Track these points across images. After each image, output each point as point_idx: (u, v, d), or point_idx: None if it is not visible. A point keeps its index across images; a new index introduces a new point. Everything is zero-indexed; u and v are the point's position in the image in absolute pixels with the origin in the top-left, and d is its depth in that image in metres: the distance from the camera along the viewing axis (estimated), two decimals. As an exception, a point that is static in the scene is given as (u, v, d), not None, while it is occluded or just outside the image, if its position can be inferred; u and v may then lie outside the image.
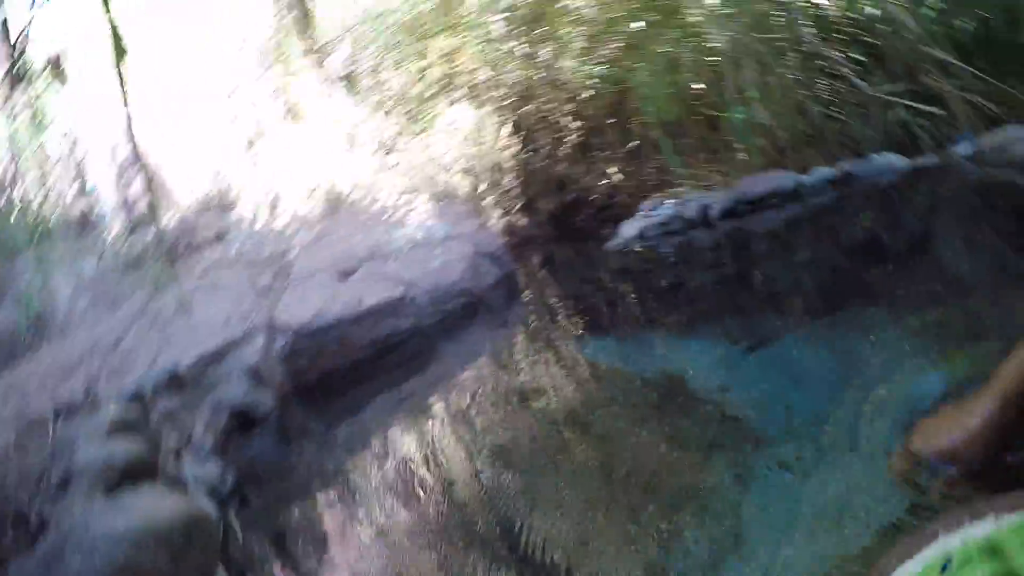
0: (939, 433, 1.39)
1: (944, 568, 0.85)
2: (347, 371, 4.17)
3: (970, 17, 4.27)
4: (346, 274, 4.62)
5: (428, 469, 2.75)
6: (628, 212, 5.96)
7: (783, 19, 4.88)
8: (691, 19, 5.50)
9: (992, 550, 0.84)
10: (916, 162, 4.15)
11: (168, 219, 5.69)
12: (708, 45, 5.32)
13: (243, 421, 3.79)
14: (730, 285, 3.77)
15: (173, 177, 6.00)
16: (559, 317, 4.24)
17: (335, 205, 5.77)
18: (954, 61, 4.12)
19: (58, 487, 2.62)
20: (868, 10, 4.73)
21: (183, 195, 5.96)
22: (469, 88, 6.40)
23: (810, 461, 1.95)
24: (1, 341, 4.98)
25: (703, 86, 5.38)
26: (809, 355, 2.63)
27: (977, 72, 4.06)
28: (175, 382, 3.74)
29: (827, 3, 4.94)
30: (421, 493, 2.61)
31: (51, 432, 3.96)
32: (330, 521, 2.66)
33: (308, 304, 4.29)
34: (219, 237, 5.49)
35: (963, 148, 3.91)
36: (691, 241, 4.56)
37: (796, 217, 4.23)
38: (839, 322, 2.77)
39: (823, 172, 4.36)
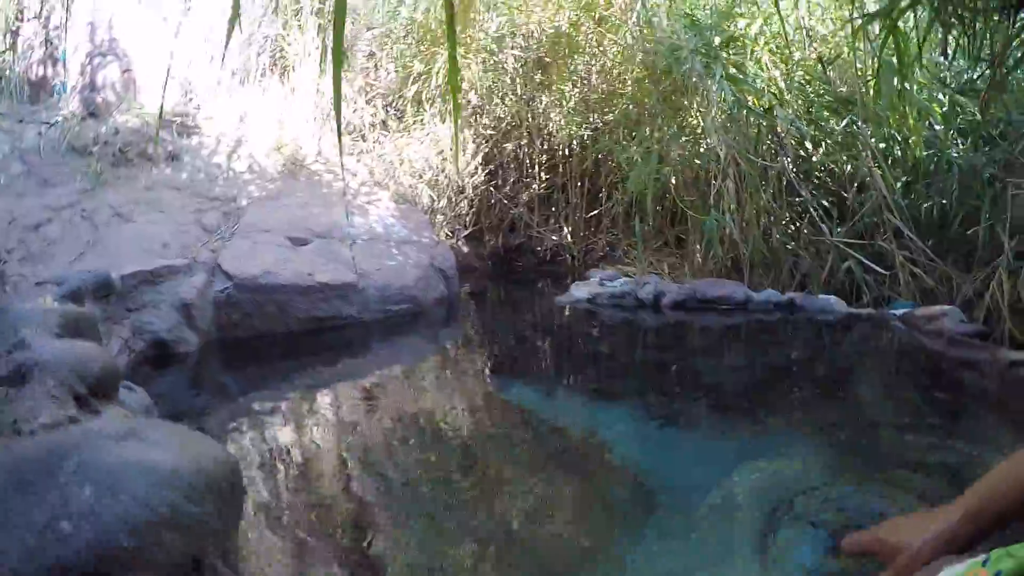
0: (898, 530, 1.44)
1: (984, 563, 0.93)
2: (278, 338, 4.05)
3: (930, 201, 4.63)
4: (299, 242, 4.48)
5: (315, 460, 2.72)
6: (567, 274, 6.08)
7: (773, 148, 5.10)
8: (692, 120, 5.68)
9: None
10: (854, 309, 4.45)
11: (127, 119, 5.40)
12: (701, 148, 5.50)
13: (159, 355, 3.62)
14: (663, 368, 3.87)
15: (145, 80, 5.71)
16: (488, 352, 4.27)
17: (296, 170, 5.61)
18: (909, 233, 4.45)
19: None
20: (847, 167, 5.02)
21: (149, 101, 5.67)
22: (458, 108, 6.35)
23: (706, 542, 2.10)
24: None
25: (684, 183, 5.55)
26: (722, 444, 2.81)
27: (926, 248, 4.40)
28: (103, 289, 3.51)
29: (812, 149, 5.22)
30: (302, 480, 2.55)
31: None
32: None
33: (257, 260, 4.13)
34: (173, 157, 5.24)
35: (898, 309, 4.22)
36: (637, 320, 4.67)
37: (738, 326, 4.46)
38: (755, 422, 3.01)
39: (771, 294, 4.64)
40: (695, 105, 5.60)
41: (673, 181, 5.62)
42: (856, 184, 4.92)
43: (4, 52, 5.58)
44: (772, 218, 5.00)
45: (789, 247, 5.04)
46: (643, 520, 2.24)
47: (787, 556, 2.01)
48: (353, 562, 2.02)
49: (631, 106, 6.09)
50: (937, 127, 4.77)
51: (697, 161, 5.53)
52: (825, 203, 4.98)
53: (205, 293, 3.88)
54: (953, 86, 4.56)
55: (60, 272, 3.75)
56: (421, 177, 5.99)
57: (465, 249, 6.33)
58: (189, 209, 4.70)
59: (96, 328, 2.55)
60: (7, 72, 5.54)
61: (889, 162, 4.67)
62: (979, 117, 4.56)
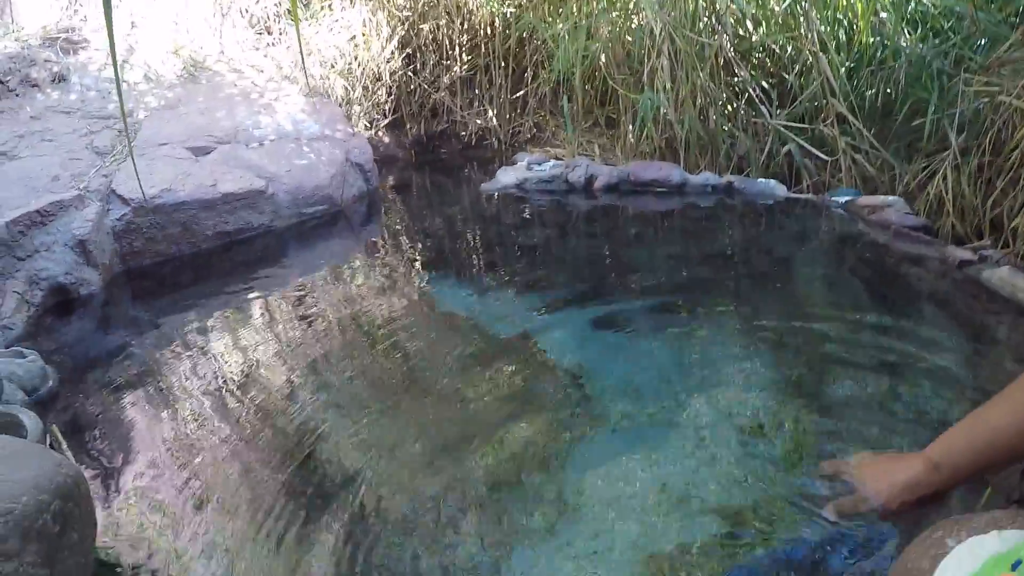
0: (867, 470, 1.57)
1: (1015, 566, 0.88)
2: (187, 260, 3.84)
3: (875, 88, 4.44)
4: (201, 152, 4.22)
5: (246, 376, 2.65)
6: (494, 158, 5.87)
7: (711, 24, 4.83)
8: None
9: None
10: (794, 194, 4.28)
11: (4, 45, 5.02)
12: (633, 24, 5.22)
13: (61, 301, 3.41)
14: (597, 258, 3.74)
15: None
16: (415, 249, 4.06)
17: (196, 72, 5.27)
18: (852, 119, 4.28)
19: None
20: (788, 48, 4.77)
21: (29, 20, 5.28)
22: (367, -12, 6.00)
23: (647, 441, 2.10)
24: None
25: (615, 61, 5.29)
26: (659, 343, 2.72)
27: (869, 136, 4.23)
28: (-15, 239, 3.27)
29: (752, 29, 4.95)
30: (234, 401, 2.48)
31: None
32: (140, 419, 2.40)
33: (154, 177, 3.87)
34: (59, 79, 4.89)
35: (840, 196, 4.08)
36: (568, 205, 4.50)
37: (674, 210, 4.31)
38: (692, 318, 2.91)
39: (709, 176, 4.47)
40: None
41: (603, 59, 5.36)
42: (798, 67, 4.69)
43: None
44: (709, 98, 4.76)
45: (726, 128, 4.84)
46: (576, 422, 2.22)
47: (718, 456, 2.00)
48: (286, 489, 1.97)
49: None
50: (884, 14, 4.52)
51: (628, 38, 5.26)
52: (765, 84, 4.78)
53: (101, 224, 3.63)
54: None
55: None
56: (333, 67, 5.68)
57: (386, 139, 6.08)
58: (80, 133, 4.39)
59: None
60: None
61: (834, 46, 4.43)
62: (932, 7, 4.37)
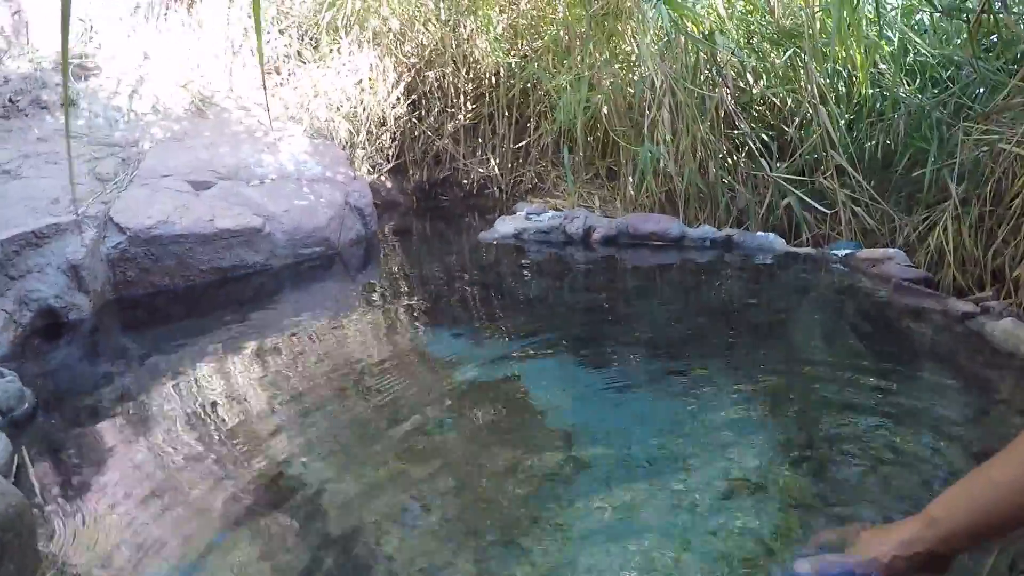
0: (865, 537, 1.48)
1: None
2: (179, 294, 3.86)
3: (874, 139, 4.47)
4: (202, 186, 4.25)
5: (228, 413, 2.62)
6: (494, 207, 5.91)
7: (711, 77, 4.90)
8: (625, 47, 5.47)
9: None
10: (794, 248, 4.30)
11: (18, 66, 5.09)
12: (635, 76, 5.30)
13: (50, 324, 3.41)
14: (592, 310, 3.73)
15: (39, 22, 5.37)
16: (409, 295, 4.08)
17: (203, 107, 5.34)
18: (852, 172, 4.31)
19: None
20: (789, 101, 4.84)
21: (45, 43, 5.35)
22: (376, 34, 6.09)
23: (633, 501, 2.03)
24: None
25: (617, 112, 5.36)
26: (653, 397, 2.69)
27: (869, 188, 4.25)
28: (-22, 257, 3.28)
29: (752, 82, 5.03)
30: (212, 438, 2.44)
31: None
32: (114, 450, 2.37)
33: (153, 208, 3.90)
34: (69, 103, 4.94)
35: (840, 250, 4.10)
36: (566, 257, 4.52)
37: (672, 264, 4.32)
38: (687, 372, 2.87)
39: (708, 230, 4.49)
40: (630, 30, 5.38)
41: (605, 110, 5.43)
42: (798, 120, 4.76)
43: None
44: (709, 151, 4.81)
45: (726, 181, 4.88)
46: (568, 478, 2.17)
47: (706, 521, 1.95)
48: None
49: (561, 32, 5.85)
50: (883, 66, 4.60)
51: (630, 89, 5.34)
52: (765, 137, 4.83)
53: (96, 251, 3.65)
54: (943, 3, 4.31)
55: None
56: (338, 110, 5.75)
57: (388, 184, 6.14)
58: (84, 158, 4.43)
59: None
60: None
61: (833, 99, 4.48)
62: (930, 57, 4.46)
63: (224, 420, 2.56)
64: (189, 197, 4.12)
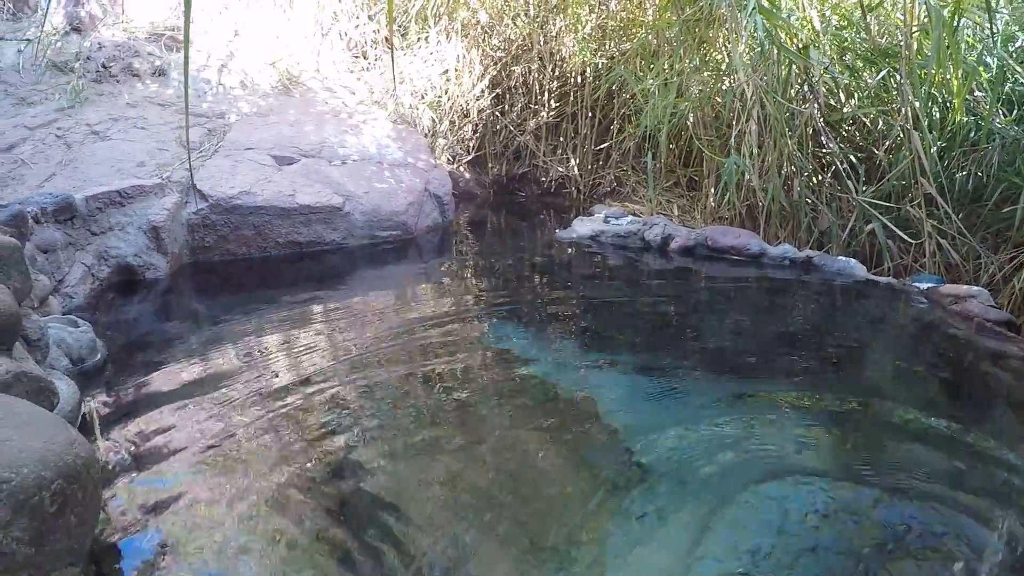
0: None
1: None
2: (254, 264, 3.85)
3: (966, 170, 4.26)
4: (284, 161, 4.24)
5: (291, 384, 2.56)
6: (571, 207, 5.82)
7: (803, 92, 4.74)
8: (716, 55, 5.34)
9: None
10: (873, 276, 4.11)
11: (112, 34, 5.16)
12: (724, 86, 5.16)
13: (126, 280, 3.43)
14: (664, 321, 3.60)
15: (131, -8, 5.46)
16: (481, 286, 3.99)
17: (290, 85, 5.35)
18: (942, 202, 4.11)
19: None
20: (879, 122, 4.65)
21: (138, 14, 5.42)
22: (465, 26, 6.05)
23: (690, 506, 1.96)
24: None
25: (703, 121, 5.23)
26: (716, 415, 2.55)
27: (957, 220, 4.08)
28: (64, 212, 3.29)
29: (844, 100, 4.85)
30: (274, 406, 2.38)
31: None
32: (178, 408, 2.34)
33: (235, 179, 3.90)
34: (159, 72, 4.99)
35: (922, 283, 3.91)
36: (641, 263, 4.40)
37: (749, 280, 4.16)
38: (754, 392, 2.74)
39: (788, 249, 4.30)
40: (721, 38, 5.24)
41: (691, 119, 5.29)
42: (888, 143, 4.53)
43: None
44: (795, 168, 4.62)
45: (809, 201, 4.68)
46: (619, 488, 2.06)
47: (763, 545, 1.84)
48: (314, 514, 1.84)
49: (650, 36, 5.73)
50: (979, 93, 4.37)
51: (719, 99, 5.19)
52: (853, 159, 4.58)
53: (177, 215, 3.66)
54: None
55: (27, 195, 3.55)
56: (423, 98, 5.71)
57: (466, 175, 6.08)
58: (171, 126, 4.45)
59: (20, 259, 2.30)
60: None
61: (926, 124, 4.23)
62: None
63: (284, 388, 2.51)
64: (271, 171, 4.11)
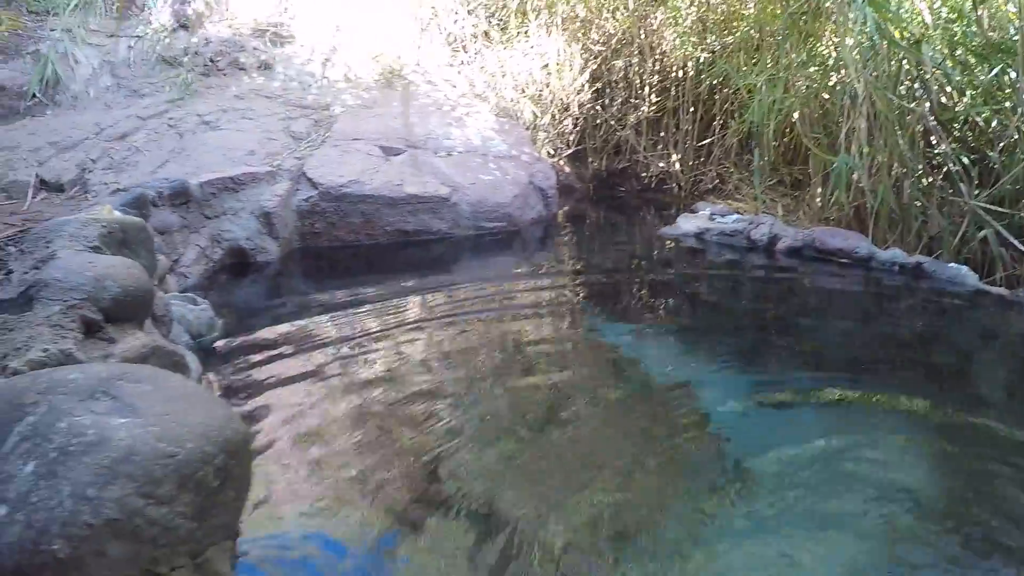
0: None
1: None
2: (361, 250, 3.84)
3: None
4: (391, 152, 4.22)
5: (395, 370, 2.54)
6: (671, 204, 5.69)
7: (913, 89, 4.50)
8: (822, 49, 5.14)
9: None
10: (985, 285, 3.85)
11: (218, 30, 5.23)
12: (831, 81, 4.96)
13: (237, 263, 3.46)
14: (768, 322, 3.47)
15: (236, -11, 5.54)
16: (585, 280, 3.91)
17: (393, 79, 5.35)
18: None
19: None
20: (993, 122, 4.37)
21: (242, 10, 5.49)
22: (565, 20, 5.98)
23: (789, 514, 1.89)
24: (7, 94, 4.53)
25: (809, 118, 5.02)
26: (819, 420, 2.48)
27: None
28: (180, 196, 3.32)
29: (956, 98, 4.58)
30: (380, 392, 2.36)
31: (28, 200, 3.58)
32: (289, 389, 2.35)
33: (344, 168, 3.90)
34: (264, 66, 5.05)
35: None
36: (746, 263, 4.24)
37: (855, 285, 3.96)
38: (859, 400, 2.63)
39: (897, 254, 4.06)
40: (828, 32, 5.04)
41: (796, 115, 5.10)
42: (1002, 144, 4.22)
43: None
44: (905, 168, 4.37)
45: (920, 204, 4.41)
46: (720, 490, 2.00)
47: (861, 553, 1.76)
48: (409, 503, 1.79)
49: (753, 30, 5.57)
50: None
51: (826, 95, 4.99)
52: (965, 160, 4.23)
53: (288, 201, 3.68)
54: None
55: (141, 180, 3.60)
56: (524, 91, 5.65)
57: (567, 169, 5.98)
58: (279, 117, 4.49)
59: (148, 239, 2.32)
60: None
61: None
62: None
63: (386, 372, 2.50)
64: (379, 161, 4.09)
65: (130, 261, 1.95)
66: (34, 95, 4.57)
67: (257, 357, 2.55)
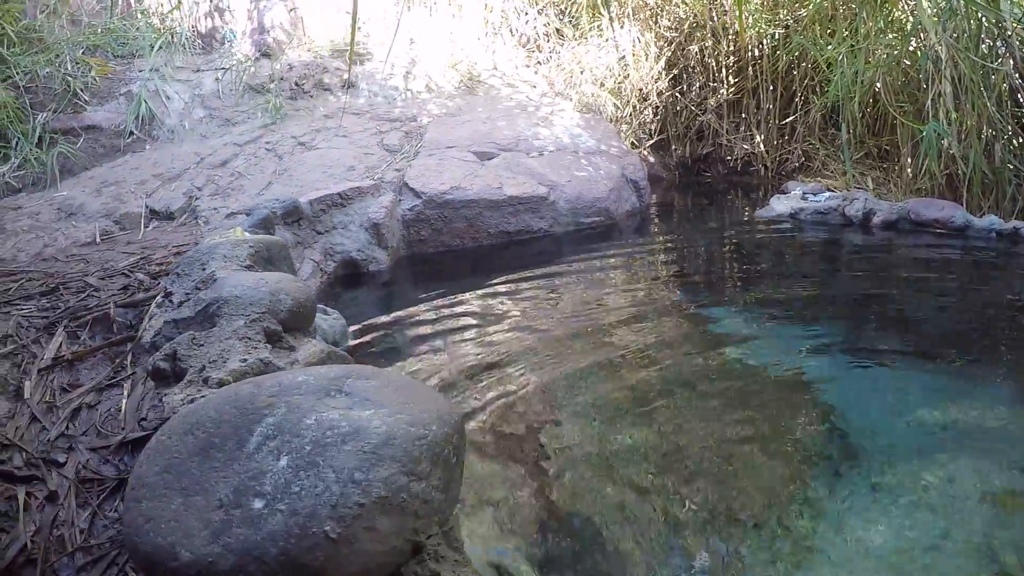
0: None
1: None
2: (467, 253, 3.89)
3: None
4: (485, 156, 4.27)
5: (505, 366, 2.60)
6: (759, 186, 5.62)
7: (996, 48, 4.36)
8: (898, 14, 5.02)
9: None
10: None
11: (299, 55, 5.35)
12: (911, 46, 4.84)
13: (350, 274, 3.54)
14: (869, 299, 3.41)
15: (311, 16, 5.64)
16: (686, 268, 3.90)
17: (473, 85, 5.40)
18: None
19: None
20: None
21: (319, 34, 5.60)
22: (635, 9, 5.95)
23: (897, 499, 1.89)
24: (106, 134, 4.69)
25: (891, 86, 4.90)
26: (925, 397, 2.44)
27: None
28: (292, 214, 3.41)
29: None
30: (493, 391, 2.42)
31: (142, 229, 3.69)
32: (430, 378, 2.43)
33: (443, 175, 3.95)
34: (348, 85, 5.14)
35: None
36: (841, 240, 4.17)
37: (954, 255, 3.87)
38: (962, 375, 2.59)
39: (994, 220, 3.97)
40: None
41: (879, 84, 4.98)
42: None
43: (172, 10, 5.62)
44: (995, 131, 4.23)
45: (1012, 167, 4.28)
46: (833, 467, 2.04)
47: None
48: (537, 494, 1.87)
49: (826, 0, 5.47)
50: None
51: (907, 62, 4.87)
52: None
53: (393, 212, 3.74)
54: None
55: (249, 203, 3.70)
56: (603, 85, 5.64)
57: (651, 159, 5.96)
58: (370, 132, 4.57)
59: (288, 255, 2.41)
60: (177, 28, 5.57)
61: None
62: None
63: (500, 369, 2.56)
64: (475, 166, 4.13)
65: (291, 275, 2.02)
66: (131, 132, 4.72)
67: (381, 361, 2.64)
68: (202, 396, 1.43)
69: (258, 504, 1.08)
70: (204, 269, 2.02)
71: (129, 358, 2.20)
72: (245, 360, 1.53)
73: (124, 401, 1.96)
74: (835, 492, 1.91)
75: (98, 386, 2.07)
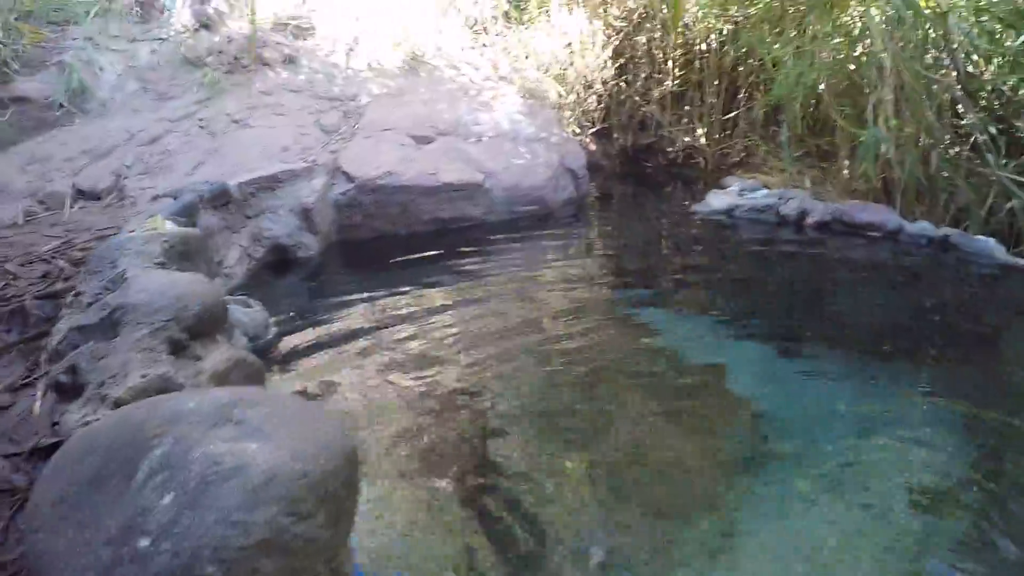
0: None
1: None
2: (400, 240, 3.87)
3: None
4: (423, 140, 4.22)
5: (434, 355, 2.65)
6: (699, 179, 5.65)
7: (940, 59, 4.42)
8: (846, 19, 5.05)
9: None
10: (1014, 258, 3.82)
11: (240, 27, 5.23)
12: (856, 52, 4.88)
13: (279, 260, 3.48)
14: (798, 298, 3.51)
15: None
16: (618, 260, 3.95)
17: (416, 65, 5.33)
18: None
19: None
20: (1022, 91, 4.26)
21: (261, 6, 5.48)
22: (585, -3, 5.93)
23: (818, 489, 1.97)
24: (35, 106, 4.54)
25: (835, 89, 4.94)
26: (846, 394, 2.53)
27: None
28: (221, 198, 3.33)
29: (983, 66, 4.49)
30: (422, 378, 2.48)
31: (67, 210, 3.60)
32: (343, 381, 2.45)
33: (379, 159, 3.91)
34: (289, 61, 5.04)
35: None
36: (775, 238, 4.23)
37: (884, 259, 3.97)
38: (885, 374, 2.69)
39: (926, 227, 4.07)
40: (853, 2, 4.94)
41: (822, 86, 5.02)
42: None
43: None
44: (933, 140, 4.30)
45: (947, 175, 4.35)
46: (751, 462, 2.12)
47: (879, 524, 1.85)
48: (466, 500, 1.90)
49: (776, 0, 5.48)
50: None
51: (852, 67, 4.92)
52: (993, 130, 4.15)
53: (325, 196, 3.71)
54: None
55: (178, 183, 3.61)
56: (547, 71, 5.61)
57: (592, 147, 5.95)
58: (308, 110, 4.49)
59: (205, 248, 2.39)
60: None
61: None
62: None
63: (433, 357, 2.61)
64: (412, 151, 4.10)
65: (203, 276, 1.98)
66: (61, 105, 4.57)
67: (305, 352, 2.64)
68: (97, 418, 1.40)
69: (144, 543, 1.06)
70: (115, 267, 1.98)
71: (44, 355, 2.13)
72: (145, 375, 1.50)
73: (37, 404, 1.90)
74: (759, 481, 1.98)
75: (12, 386, 2.01)
